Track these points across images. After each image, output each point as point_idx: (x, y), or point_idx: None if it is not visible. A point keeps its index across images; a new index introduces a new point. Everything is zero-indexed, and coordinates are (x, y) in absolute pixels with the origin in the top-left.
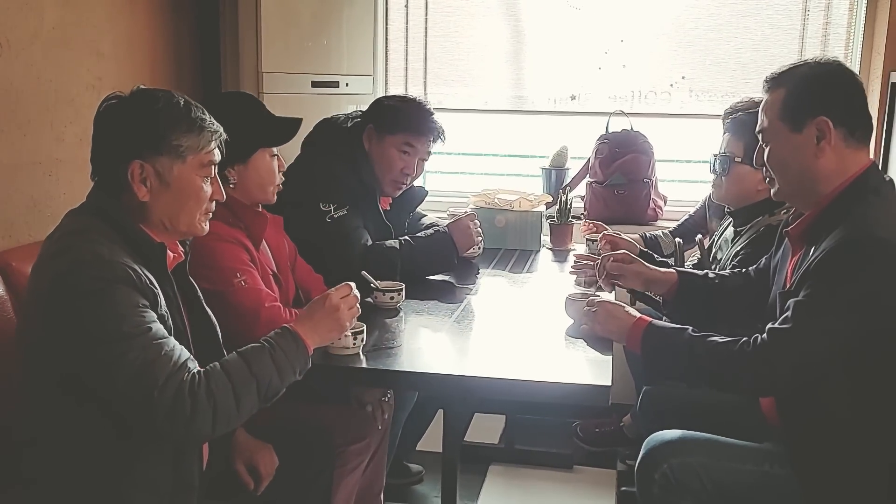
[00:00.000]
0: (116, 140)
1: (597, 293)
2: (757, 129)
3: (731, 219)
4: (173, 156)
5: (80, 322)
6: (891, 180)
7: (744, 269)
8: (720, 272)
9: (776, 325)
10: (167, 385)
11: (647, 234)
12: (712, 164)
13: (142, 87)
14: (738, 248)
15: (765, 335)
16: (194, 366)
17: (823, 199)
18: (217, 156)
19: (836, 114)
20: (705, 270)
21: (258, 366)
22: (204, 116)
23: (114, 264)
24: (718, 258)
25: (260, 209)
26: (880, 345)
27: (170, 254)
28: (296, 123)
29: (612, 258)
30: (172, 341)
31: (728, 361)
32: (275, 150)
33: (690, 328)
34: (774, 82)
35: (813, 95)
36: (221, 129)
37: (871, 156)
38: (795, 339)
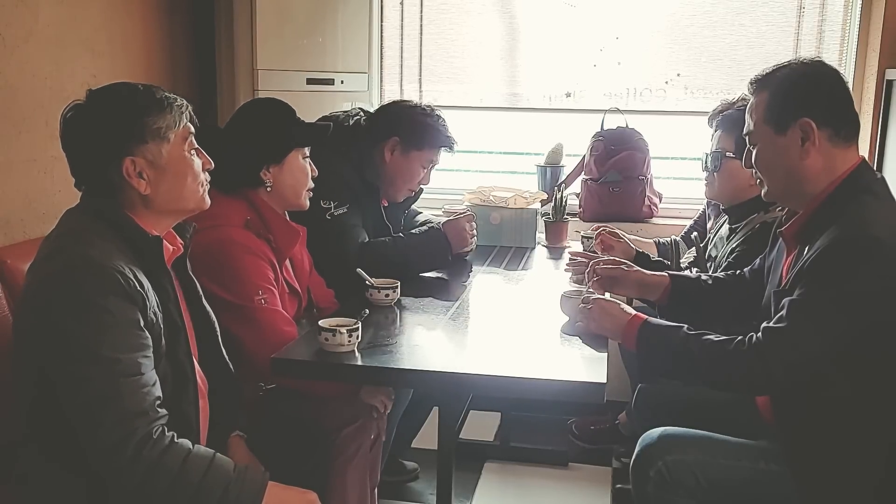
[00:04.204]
0: (99, 144)
1: (592, 290)
2: (744, 131)
3: (725, 216)
4: (158, 140)
5: (60, 330)
6: (882, 178)
7: (737, 271)
8: (713, 274)
9: (771, 324)
10: (115, 429)
11: (660, 241)
12: (704, 162)
13: (92, 88)
14: (734, 246)
15: (759, 334)
16: (159, 419)
17: (815, 199)
18: (191, 127)
19: (819, 114)
20: (698, 273)
21: (212, 480)
22: (167, 94)
23: (103, 269)
24: (714, 256)
25: (290, 223)
26: (874, 343)
27: (169, 247)
28: (326, 128)
29: (602, 262)
30: (144, 380)
31: (723, 360)
32: (306, 152)
33: (686, 326)
34: (758, 85)
35: (795, 97)
36: (185, 101)
37: (867, 153)
38: (790, 338)
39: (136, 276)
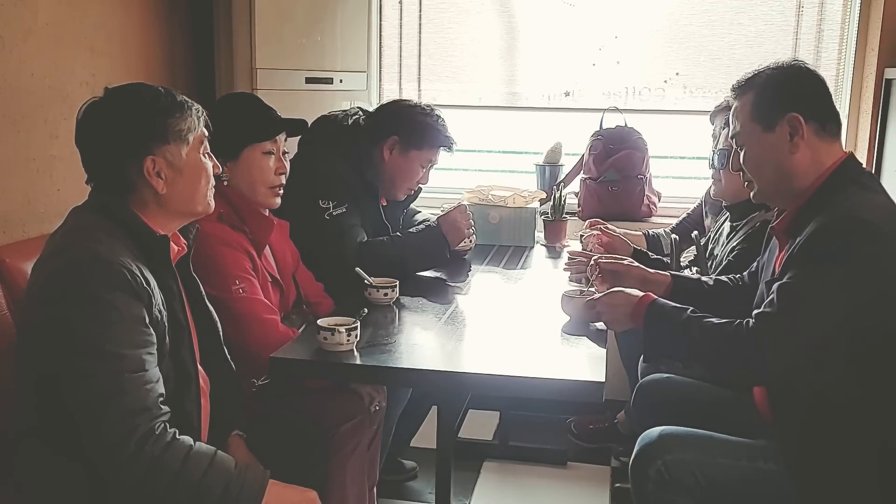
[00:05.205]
0: (122, 142)
1: (594, 290)
2: (730, 134)
3: (728, 214)
4: (178, 141)
5: (67, 325)
6: (870, 171)
7: (737, 274)
8: (714, 276)
9: (762, 309)
10: (117, 425)
11: (650, 233)
12: (711, 160)
13: (110, 87)
14: (735, 244)
15: (753, 320)
16: (162, 415)
17: (804, 193)
18: (206, 132)
19: (806, 109)
20: (699, 275)
21: (213, 477)
22: (185, 98)
23: (110, 265)
24: (715, 254)
25: (266, 213)
26: (866, 331)
27: (173, 247)
28: (285, 122)
29: (604, 258)
30: (148, 377)
31: (720, 344)
32: (269, 148)
33: (691, 308)
34: (741, 88)
35: (782, 93)
36: (201, 107)
37: (866, 152)
38: (781, 322)
39: (142, 274)
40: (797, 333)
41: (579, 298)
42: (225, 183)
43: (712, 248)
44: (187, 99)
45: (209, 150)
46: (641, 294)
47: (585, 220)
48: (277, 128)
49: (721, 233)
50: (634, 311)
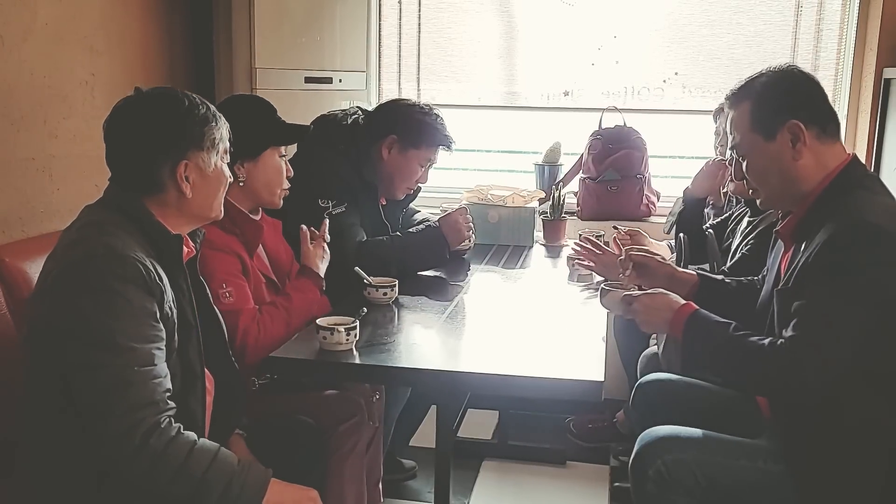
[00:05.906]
0: (161, 143)
1: (633, 287)
2: (730, 144)
3: (745, 209)
4: (211, 149)
5: (79, 316)
6: (874, 174)
7: (750, 267)
8: (735, 278)
9: (789, 332)
10: (124, 418)
11: (672, 244)
12: (729, 157)
13: (144, 88)
14: (749, 239)
15: (785, 342)
16: (167, 410)
17: (810, 196)
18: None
19: (805, 114)
20: (720, 276)
21: (215, 473)
22: (214, 108)
23: (125, 258)
24: (732, 247)
25: (258, 216)
26: (885, 339)
27: (184, 248)
28: (305, 129)
29: (635, 249)
30: (156, 371)
31: (759, 365)
32: (283, 151)
33: (734, 324)
34: (736, 98)
35: (779, 101)
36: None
37: (865, 151)
38: (812, 343)
39: (155, 270)
40: (831, 350)
41: (617, 291)
42: (241, 183)
43: (729, 242)
44: (216, 110)
45: (228, 160)
46: (683, 302)
47: (588, 222)
48: (300, 132)
49: (739, 226)
50: (674, 319)
